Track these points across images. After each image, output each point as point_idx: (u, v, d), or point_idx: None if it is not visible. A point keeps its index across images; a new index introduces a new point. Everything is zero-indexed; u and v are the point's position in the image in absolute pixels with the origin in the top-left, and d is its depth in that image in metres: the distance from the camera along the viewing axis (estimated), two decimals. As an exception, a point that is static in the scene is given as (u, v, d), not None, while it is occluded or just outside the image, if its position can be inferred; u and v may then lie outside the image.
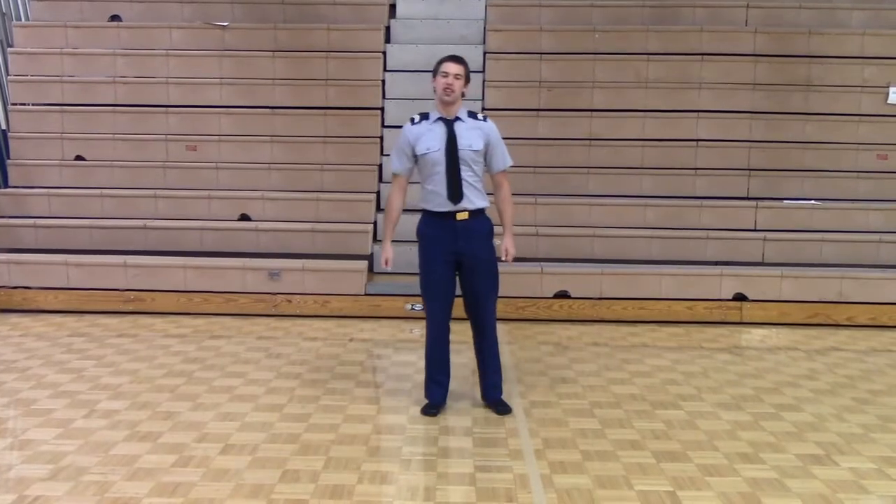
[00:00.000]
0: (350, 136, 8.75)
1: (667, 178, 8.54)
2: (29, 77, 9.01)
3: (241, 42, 9.01)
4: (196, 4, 9.32)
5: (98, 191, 8.44)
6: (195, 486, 3.94)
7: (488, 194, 5.00)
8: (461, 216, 4.85)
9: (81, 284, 7.69)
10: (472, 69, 8.92)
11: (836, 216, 8.25)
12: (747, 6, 9.25)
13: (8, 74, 9.07)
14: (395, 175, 5.07)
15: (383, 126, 8.82)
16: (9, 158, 8.77)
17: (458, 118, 4.86)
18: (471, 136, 4.84)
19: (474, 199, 4.85)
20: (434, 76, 4.87)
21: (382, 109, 8.88)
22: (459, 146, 4.80)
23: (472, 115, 4.95)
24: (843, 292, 7.57)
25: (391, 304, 7.55)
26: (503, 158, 4.99)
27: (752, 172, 8.55)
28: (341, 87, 8.84)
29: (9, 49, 9.13)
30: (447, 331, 5.03)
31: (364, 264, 7.78)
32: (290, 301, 7.58)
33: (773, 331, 7.36)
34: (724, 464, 4.28)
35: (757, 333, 7.32)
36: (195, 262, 7.74)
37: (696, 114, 8.71)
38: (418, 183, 5.00)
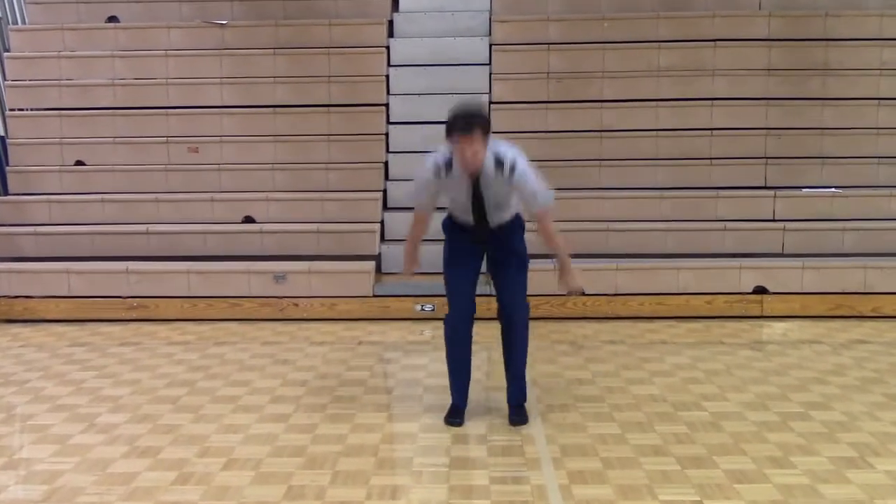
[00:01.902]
0: (354, 133, 8.53)
1: (681, 168, 8.30)
2: (26, 82, 8.83)
3: (241, 40, 8.80)
4: (194, 3, 9.12)
5: (99, 196, 8.25)
6: (195, 506, 3.74)
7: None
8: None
9: (83, 292, 7.51)
10: (478, 62, 8.85)
11: (857, 203, 7.99)
12: (760, -11, 9.01)
13: (5, 80, 8.89)
14: (415, 213, 4.74)
15: (388, 122, 8.61)
16: (8, 165, 8.60)
17: (482, 171, 4.40)
18: (497, 191, 4.45)
19: (503, 217, 4.60)
20: (448, 135, 4.35)
21: (387, 105, 8.67)
22: (485, 198, 4.47)
23: (499, 162, 4.37)
24: (867, 282, 7.32)
25: (400, 305, 7.34)
26: (535, 199, 4.50)
27: (770, 161, 8.30)
28: (344, 84, 8.63)
29: (5, 54, 8.96)
30: (467, 334, 4.70)
31: (371, 265, 7.57)
32: (296, 304, 7.38)
33: (796, 324, 7.12)
34: (753, 469, 4.06)
35: (779, 327, 7.08)
36: (199, 267, 7.55)
37: (710, 102, 8.46)
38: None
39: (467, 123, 4.28)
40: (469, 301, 4.68)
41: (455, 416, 4.74)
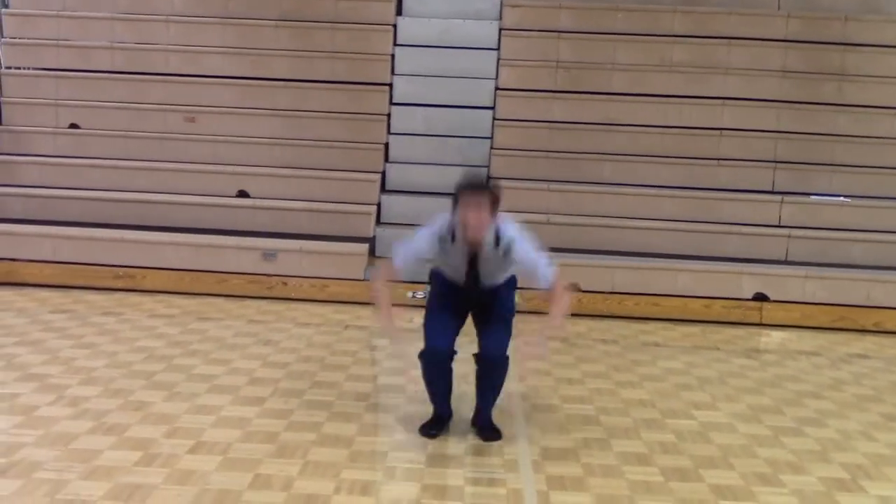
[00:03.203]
0: (356, 112, 8.35)
1: (687, 167, 8.11)
2: (24, 40, 8.65)
3: (245, 10, 8.60)
4: (199, -30, 8.92)
5: (91, 161, 8.08)
6: (155, 490, 3.58)
7: None
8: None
9: (70, 258, 7.35)
10: (486, 46, 8.65)
11: (866, 214, 7.80)
12: (780, -11, 8.79)
13: (2, 37, 8.69)
14: (390, 261, 4.38)
15: (391, 103, 8.43)
16: (0, 124, 8.41)
17: (482, 245, 4.20)
18: (494, 267, 4.25)
19: (494, 283, 4.36)
20: (455, 203, 4.13)
21: (391, 85, 8.47)
22: (481, 273, 4.26)
23: (498, 239, 4.16)
24: (871, 296, 7.14)
25: (391, 291, 7.14)
26: (544, 274, 4.19)
27: (779, 165, 8.10)
28: (348, 61, 8.44)
29: (3, 10, 8.76)
30: (447, 358, 4.37)
31: (365, 247, 7.41)
32: (285, 283, 7.22)
33: (795, 334, 6.94)
34: (740, 485, 3.89)
35: (777, 336, 6.91)
36: (188, 240, 7.39)
37: (721, 101, 8.26)
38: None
39: (478, 189, 4.14)
40: (449, 342, 4.35)
41: (434, 427, 4.43)
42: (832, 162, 8.12)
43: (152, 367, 5.22)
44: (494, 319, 4.38)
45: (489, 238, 4.17)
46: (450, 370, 4.40)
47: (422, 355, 4.35)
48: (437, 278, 4.48)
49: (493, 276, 4.32)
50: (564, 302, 4.21)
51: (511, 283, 4.48)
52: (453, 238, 4.20)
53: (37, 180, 8.04)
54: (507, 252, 4.18)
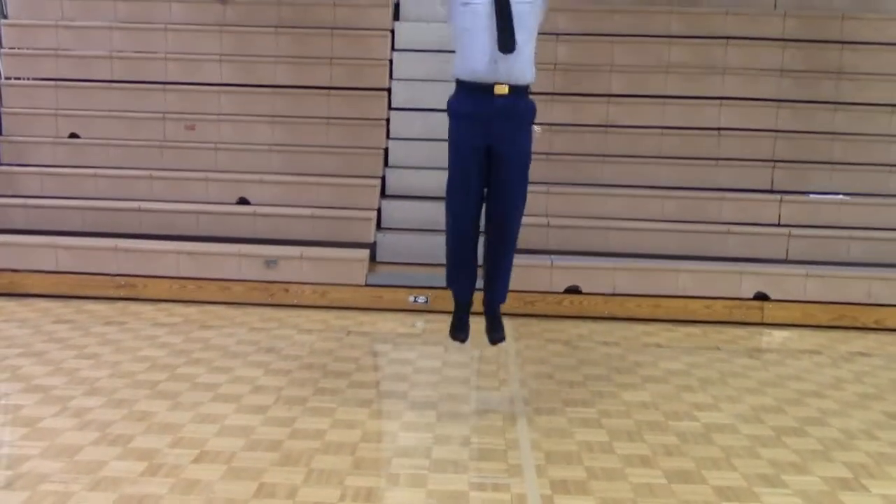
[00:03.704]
0: (355, 117, 8.35)
1: (687, 168, 8.11)
2: (23, 50, 8.67)
3: (243, 17, 8.60)
4: (197, -23, 8.93)
5: (92, 170, 8.09)
6: (161, 500, 3.60)
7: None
8: (500, 90, 4.19)
9: (71, 268, 7.35)
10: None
11: (865, 212, 7.79)
12: (776, -13, 8.81)
13: (1, 48, 8.71)
14: None
15: (390, 108, 8.43)
16: (1, 135, 8.43)
17: None
18: (526, 17, 4.19)
19: (517, 66, 4.20)
20: None
21: (389, 90, 8.48)
22: (515, 21, 4.14)
23: None
24: (872, 293, 7.13)
25: (393, 296, 7.18)
26: None
27: (777, 164, 8.11)
28: (347, 67, 8.44)
29: (2, 21, 8.77)
30: (472, 236, 4.43)
31: (366, 253, 7.41)
32: (286, 290, 7.23)
33: (796, 333, 6.95)
34: (742, 486, 3.90)
35: (778, 335, 6.92)
36: (189, 248, 7.39)
37: (719, 101, 8.26)
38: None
39: None
40: (475, 202, 4.40)
41: (460, 328, 4.58)
42: (831, 160, 8.12)
43: (156, 377, 5.24)
44: (511, 171, 4.32)
45: None
46: (475, 244, 4.43)
47: (448, 234, 4.44)
48: (455, 115, 4.37)
49: (525, 29, 4.19)
50: None
51: (531, 112, 4.39)
52: None
53: (38, 190, 8.05)
54: None
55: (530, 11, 4.25)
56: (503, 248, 4.49)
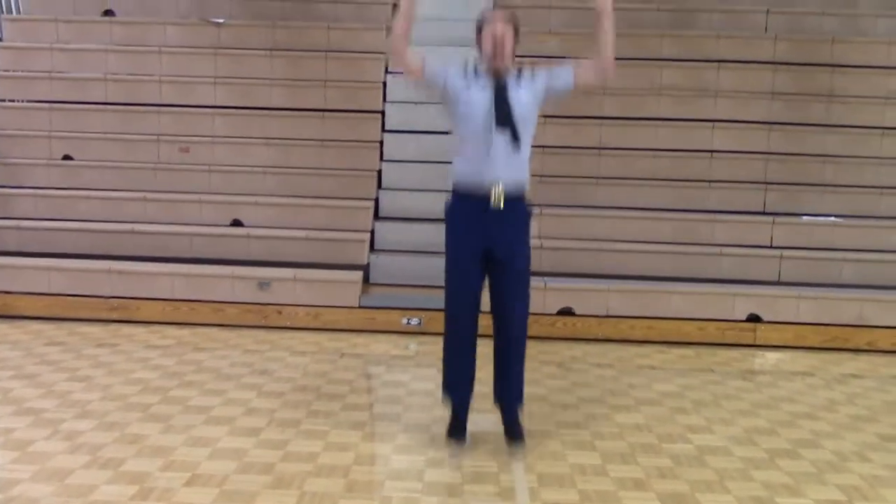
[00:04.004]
0: (349, 140, 8.40)
1: (679, 190, 8.16)
2: (18, 73, 8.71)
3: (238, 40, 8.68)
4: (192, 0, 8.99)
5: (85, 192, 8.11)
6: (152, 525, 3.58)
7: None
8: (496, 196, 4.20)
9: (64, 290, 7.33)
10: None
11: (857, 234, 7.85)
12: (767, 12, 8.90)
13: (-3, 70, 8.76)
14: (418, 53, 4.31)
15: (384, 130, 8.48)
16: (-5, 157, 8.46)
17: (507, 75, 4.26)
18: (520, 93, 4.23)
19: (514, 174, 4.24)
20: (478, 34, 4.25)
21: (383, 113, 8.53)
22: (511, 103, 4.18)
23: (520, 70, 4.32)
24: (864, 315, 7.15)
25: (387, 318, 7.18)
26: (577, 64, 4.37)
27: (769, 186, 8.16)
28: (341, 89, 8.50)
29: (-2, 43, 8.84)
30: (470, 340, 4.44)
31: (359, 275, 7.41)
32: (280, 312, 7.22)
33: (789, 355, 6.96)
34: (736, 509, 3.90)
35: (771, 357, 6.92)
36: (183, 270, 7.38)
37: (711, 123, 8.33)
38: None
39: (501, 11, 4.30)
40: (473, 305, 4.40)
41: (459, 430, 4.53)
42: (822, 182, 8.18)
43: (147, 400, 5.22)
44: (511, 273, 4.33)
45: (513, 71, 4.25)
46: (474, 345, 4.43)
47: (445, 336, 4.44)
48: (451, 216, 4.38)
49: (524, 120, 4.23)
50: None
51: (527, 214, 4.41)
52: (477, 73, 4.26)
53: (31, 212, 8.06)
54: (534, 77, 4.28)
55: (529, 116, 4.26)
56: (512, 350, 4.43)
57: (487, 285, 4.47)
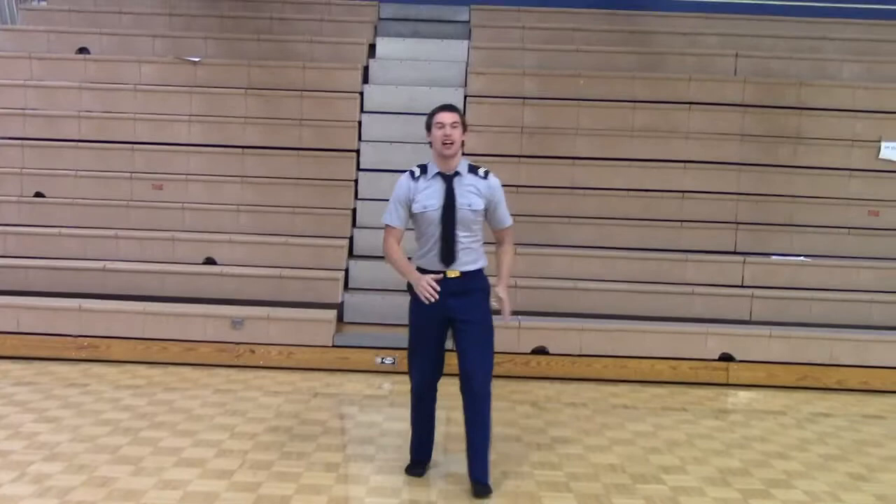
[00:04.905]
0: (324, 178, 8.42)
1: (651, 229, 8.25)
2: (-10, 110, 8.66)
3: (213, 78, 8.70)
4: (168, 39, 9.05)
5: (56, 230, 8.04)
6: (121, 571, 3.51)
7: (488, 246, 4.68)
8: (452, 274, 4.49)
9: (33, 329, 7.24)
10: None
11: (825, 273, 7.96)
12: (736, 55, 9.09)
13: (-32, 107, 8.70)
14: (388, 227, 4.63)
15: (359, 169, 8.51)
16: (-34, 193, 8.37)
17: (457, 173, 4.51)
18: (470, 195, 4.50)
19: (469, 261, 4.52)
20: (428, 130, 4.53)
21: (358, 152, 8.57)
22: (458, 205, 4.46)
23: (473, 169, 4.57)
24: (833, 354, 7.23)
25: (360, 357, 7.15)
26: (504, 217, 4.66)
27: (740, 226, 8.27)
28: (316, 128, 8.54)
29: (-30, 81, 8.78)
30: (432, 397, 4.71)
31: (333, 314, 7.39)
32: (253, 351, 7.17)
33: (761, 394, 7.00)
34: (711, 551, 3.90)
35: (744, 396, 6.97)
36: (154, 308, 7.32)
37: (682, 164, 8.45)
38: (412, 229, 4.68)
39: (450, 107, 4.55)
40: (433, 377, 4.68)
41: (418, 469, 4.78)
42: (791, 222, 8.31)
43: (117, 441, 5.14)
44: (473, 340, 4.53)
45: (464, 167, 4.54)
46: (434, 402, 4.73)
47: (412, 391, 4.72)
48: (414, 306, 4.60)
49: (468, 226, 4.49)
50: (510, 260, 4.73)
51: (484, 288, 4.61)
52: (425, 172, 4.54)
53: (1, 250, 7.97)
54: (487, 176, 4.56)
55: (474, 218, 4.53)
56: (477, 417, 4.53)
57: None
